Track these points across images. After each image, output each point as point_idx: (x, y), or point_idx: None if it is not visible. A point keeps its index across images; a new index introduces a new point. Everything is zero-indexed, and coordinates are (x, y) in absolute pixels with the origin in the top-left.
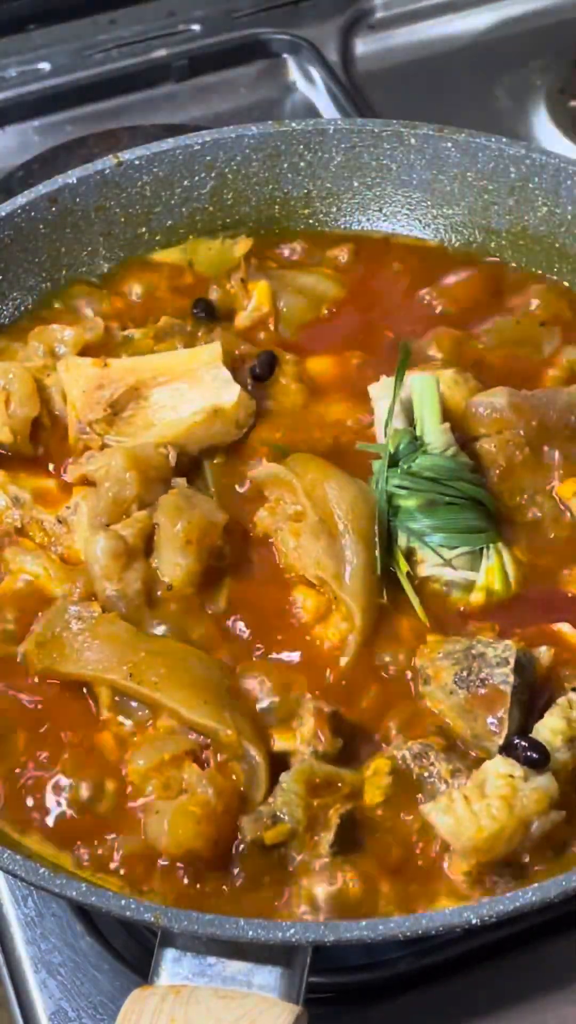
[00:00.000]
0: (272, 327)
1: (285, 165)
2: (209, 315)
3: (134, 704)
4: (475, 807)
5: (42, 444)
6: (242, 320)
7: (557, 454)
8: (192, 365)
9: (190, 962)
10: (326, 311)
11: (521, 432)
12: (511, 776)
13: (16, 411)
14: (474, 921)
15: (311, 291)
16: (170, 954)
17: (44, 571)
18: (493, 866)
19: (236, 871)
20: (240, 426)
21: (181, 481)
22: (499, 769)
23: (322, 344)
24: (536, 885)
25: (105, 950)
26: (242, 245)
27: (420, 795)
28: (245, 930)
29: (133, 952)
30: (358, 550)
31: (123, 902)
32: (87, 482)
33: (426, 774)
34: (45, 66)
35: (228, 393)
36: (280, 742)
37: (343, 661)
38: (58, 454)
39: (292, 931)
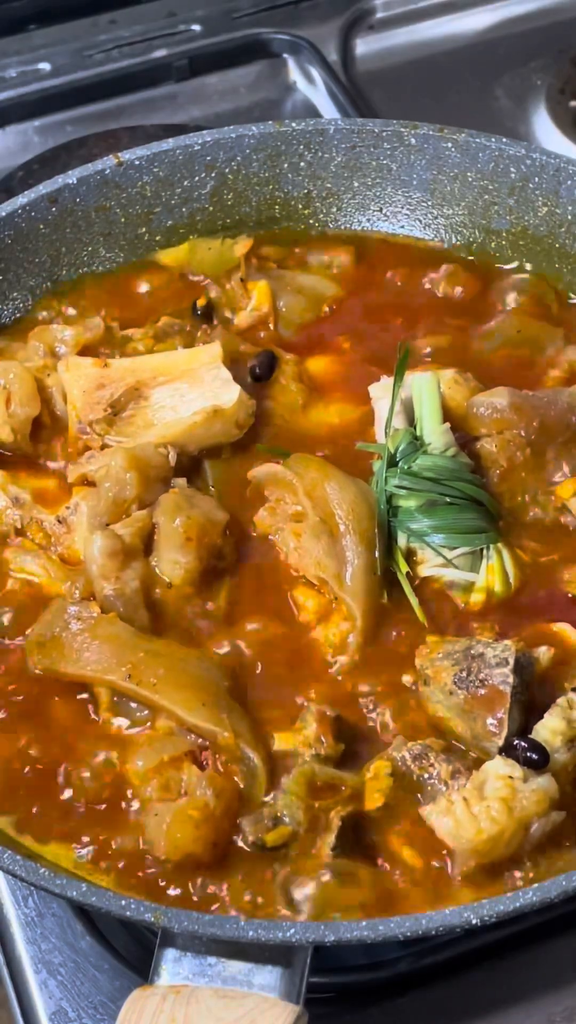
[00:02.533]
0: (272, 327)
1: (285, 165)
2: (209, 316)
3: (133, 705)
4: (475, 809)
5: (42, 443)
6: (242, 320)
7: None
8: (192, 365)
9: (190, 962)
10: (326, 310)
11: (522, 432)
12: (511, 777)
13: (17, 411)
14: (474, 921)
15: (311, 291)
16: (170, 954)
17: (44, 571)
18: (493, 867)
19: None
20: (240, 426)
21: (181, 481)
22: (499, 770)
23: (322, 344)
24: (536, 885)
25: (105, 950)
26: (242, 245)
27: (420, 796)
28: (245, 930)
29: (133, 952)
30: (359, 551)
31: (123, 902)
32: (87, 482)
33: (426, 775)
34: (45, 66)
35: (228, 393)
36: (281, 743)
37: (344, 661)
38: (58, 454)
39: (292, 931)
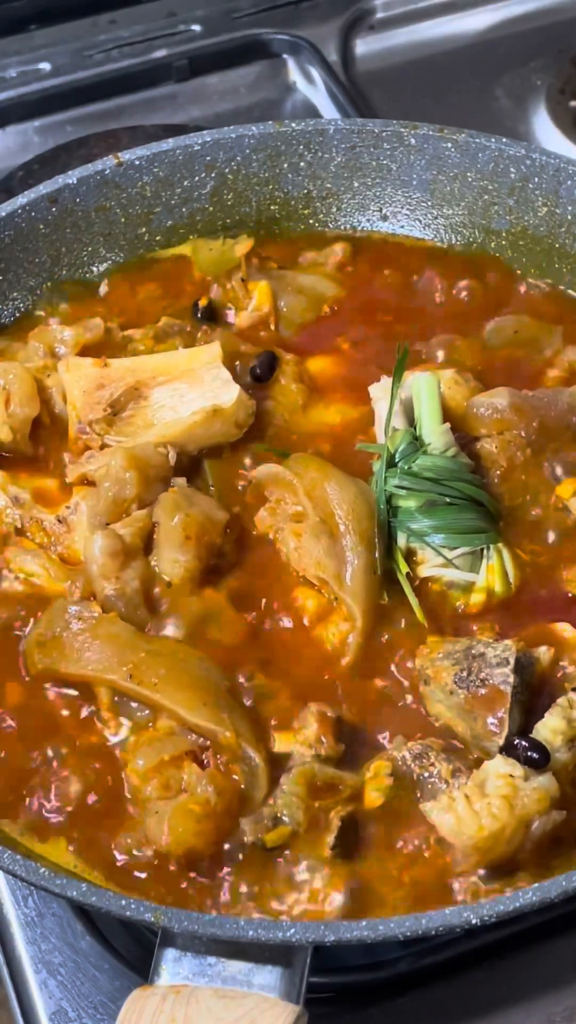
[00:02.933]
0: (272, 327)
1: (285, 165)
2: (209, 316)
3: (134, 705)
4: (476, 806)
5: (42, 444)
6: (243, 320)
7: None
8: (192, 365)
9: (190, 962)
10: (327, 310)
11: (522, 433)
12: (512, 776)
13: (16, 411)
14: (474, 921)
15: (311, 291)
16: (170, 954)
17: (44, 571)
18: (494, 866)
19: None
20: (240, 426)
21: (181, 480)
22: (500, 769)
23: (322, 344)
24: (536, 885)
25: (105, 950)
26: (243, 245)
27: (420, 795)
28: (245, 930)
29: (133, 952)
30: (359, 551)
31: (123, 902)
32: (87, 482)
33: (426, 774)
34: (45, 66)
35: (227, 393)
36: (280, 743)
37: (344, 662)
38: (58, 454)
39: (292, 931)
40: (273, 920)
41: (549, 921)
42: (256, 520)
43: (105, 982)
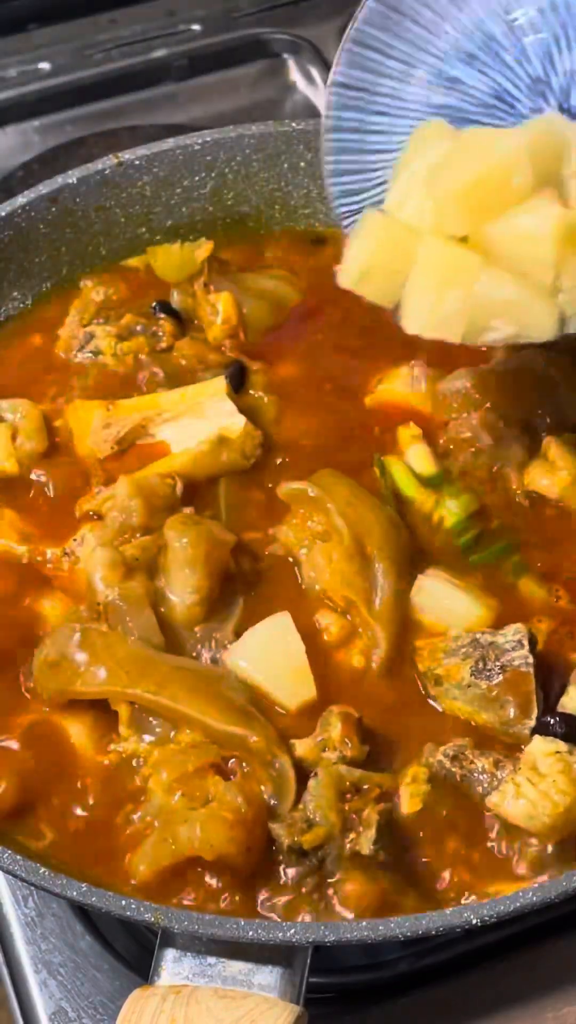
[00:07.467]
0: (242, 336)
1: (285, 165)
2: (167, 310)
3: (153, 721)
4: (540, 787)
5: (50, 479)
6: (217, 333)
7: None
8: (197, 399)
9: (190, 962)
10: (291, 312)
11: (489, 406)
12: (557, 752)
13: (24, 444)
14: (474, 921)
15: (272, 294)
16: (170, 954)
17: (52, 605)
18: (565, 844)
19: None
20: (247, 456)
21: (188, 510)
22: (544, 748)
23: (290, 348)
24: (536, 885)
25: (105, 950)
26: (203, 249)
27: (477, 791)
28: (245, 930)
29: (133, 952)
30: (391, 577)
31: (123, 902)
32: (94, 516)
33: (470, 772)
34: (45, 66)
35: (233, 423)
36: (300, 749)
37: (366, 684)
38: (65, 489)
39: (292, 931)
40: (273, 920)
41: (549, 922)
42: (280, 536)
43: (105, 982)
